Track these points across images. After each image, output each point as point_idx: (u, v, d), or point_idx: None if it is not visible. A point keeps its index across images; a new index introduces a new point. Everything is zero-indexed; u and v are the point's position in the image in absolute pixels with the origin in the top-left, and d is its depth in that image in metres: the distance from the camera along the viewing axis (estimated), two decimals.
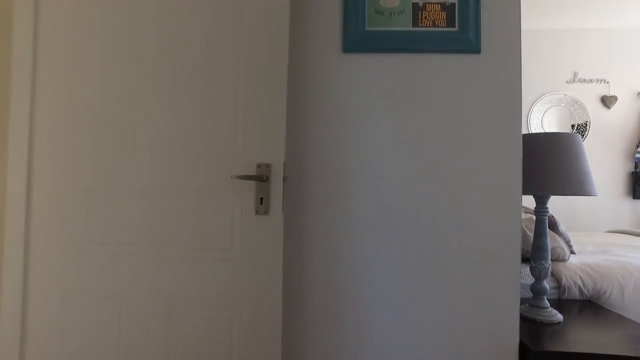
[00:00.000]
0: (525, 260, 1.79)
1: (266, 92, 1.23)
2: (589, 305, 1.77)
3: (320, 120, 1.31)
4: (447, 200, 1.27)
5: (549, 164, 1.40)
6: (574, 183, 1.38)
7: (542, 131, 4.10)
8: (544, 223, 1.55)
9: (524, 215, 2.06)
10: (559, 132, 1.43)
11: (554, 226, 2.26)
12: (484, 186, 1.26)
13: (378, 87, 1.29)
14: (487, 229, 1.26)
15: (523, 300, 1.67)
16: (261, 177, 1.19)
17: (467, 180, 1.26)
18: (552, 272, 1.89)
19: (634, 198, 4.09)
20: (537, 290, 1.55)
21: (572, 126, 4.10)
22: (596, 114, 4.13)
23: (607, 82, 4.15)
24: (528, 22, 4.11)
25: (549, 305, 1.54)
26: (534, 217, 1.92)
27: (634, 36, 4.18)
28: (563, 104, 4.12)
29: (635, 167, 4.06)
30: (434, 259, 1.27)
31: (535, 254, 1.55)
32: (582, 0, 3.71)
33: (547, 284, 1.56)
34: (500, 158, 1.26)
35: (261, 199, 1.20)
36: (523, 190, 1.36)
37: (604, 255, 2.23)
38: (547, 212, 1.54)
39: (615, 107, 4.13)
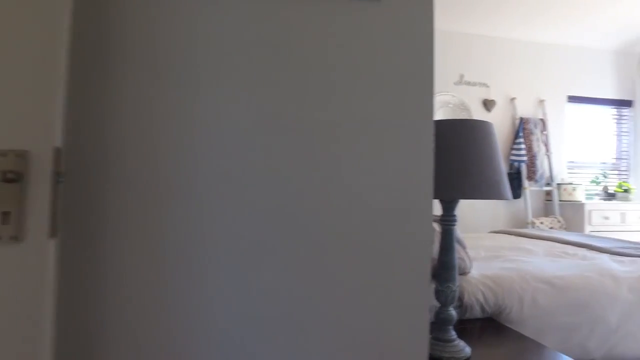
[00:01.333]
0: None
1: (25, 21, 0.68)
2: (491, 325, 1.55)
3: (130, 80, 0.80)
4: (329, 205, 0.86)
5: (462, 160, 1.09)
6: (492, 185, 1.09)
7: None
8: (451, 235, 1.25)
9: None
10: (473, 119, 1.13)
11: None
12: (383, 184, 0.88)
13: (227, 36, 0.83)
14: (386, 244, 0.88)
15: None
16: (4, 175, 0.64)
17: (359, 176, 0.87)
18: None
19: None
20: (442, 320, 1.24)
21: None
22: (479, 116, 4.23)
23: (488, 86, 4.29)
24: None
25: (455, 336, 1.25)
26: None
27: (512, 46, 4.39)
28: (450, 105, 4.14)
29: (510, 168, 4.25)
30: (308, 292, 0.85)
31: (440, 273, 1.24)
32: (473, 7, 3.73)
33: (454, 310, 1.26)
34: (407, 146, 0.89)
35: (4, 213, 0.65)
36: None
37: (499, 261, 2.09)
38: (456, 220, 1.24)
39: (495, 110, 4.29)
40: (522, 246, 2.53)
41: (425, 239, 0.89)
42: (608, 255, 2.32)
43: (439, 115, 4.10)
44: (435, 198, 1.06)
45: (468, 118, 4.07)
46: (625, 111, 4.73)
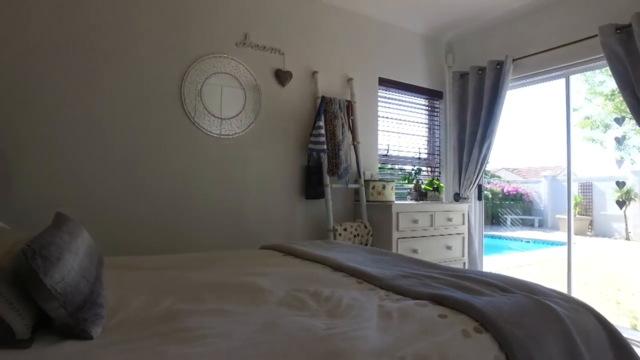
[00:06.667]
0: None
1: None
2: None
3: None
4: None
5: None
6: None
7: (207, 112, 2.86)
8: None
9: None
10: None
11: None
12: None
13: None
14: None
15: None
16: None
17: None
18: None
19: (306, 198, 3.33)
20: None
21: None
22: (269, 91, 3.19)
23: (283, 53, 3.28)
24: None
25: None
26: None
27: (317, 9, 3.47)
28: (226, 73, 2.99)
29: (309, 160, 3.31)
30: None
31: None
32: None
33: None
34: None
35: None
36: None
37: (144, 343, 0.93)
38: None
39: (290, 85, 3.30)
40: (258, 283, 1.45)
41: None
42: (381, 294, 1.39)
43: (214, 85, 2.92)
44: None
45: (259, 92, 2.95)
46: (437, 103, 4.28)
